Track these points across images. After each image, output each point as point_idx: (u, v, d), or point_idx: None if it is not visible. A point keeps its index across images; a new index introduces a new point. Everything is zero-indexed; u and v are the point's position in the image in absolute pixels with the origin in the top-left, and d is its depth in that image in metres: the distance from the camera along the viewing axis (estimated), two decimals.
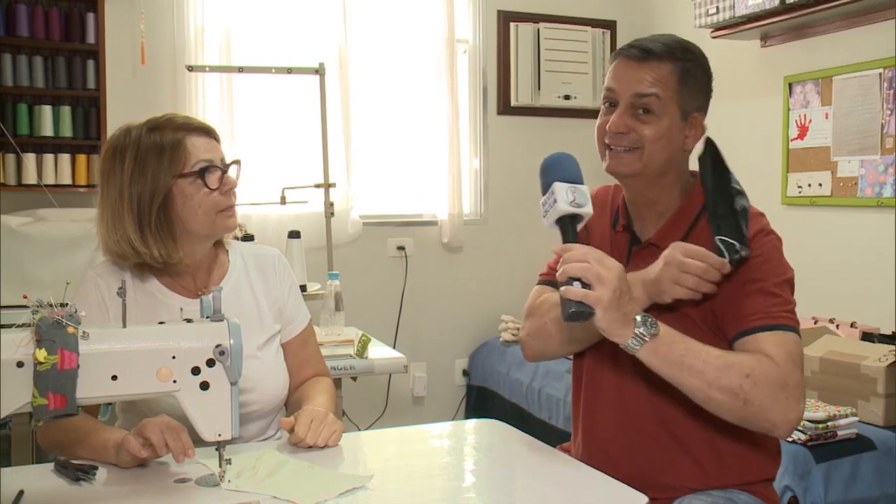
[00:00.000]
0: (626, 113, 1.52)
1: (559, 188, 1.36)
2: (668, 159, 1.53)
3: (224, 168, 1.65)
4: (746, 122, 3.87)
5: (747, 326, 1.44)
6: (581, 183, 1.39)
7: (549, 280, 1.70)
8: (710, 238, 1.47)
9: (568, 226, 1.38)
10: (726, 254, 1.42)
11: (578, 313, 1.30)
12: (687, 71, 1.52)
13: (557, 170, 1.40)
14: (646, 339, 1.33)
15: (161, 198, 1.59)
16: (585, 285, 1.30)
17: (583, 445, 1.64)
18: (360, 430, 3.71)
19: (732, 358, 1.38)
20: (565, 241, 1.37)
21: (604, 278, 1.29)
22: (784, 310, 1.45)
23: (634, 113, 1.52)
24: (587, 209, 1.37)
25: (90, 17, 3.55)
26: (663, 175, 1.55)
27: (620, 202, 1.66)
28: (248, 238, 3.17)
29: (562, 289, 1.31)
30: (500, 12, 4.46)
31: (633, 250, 1.60)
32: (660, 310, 1.46)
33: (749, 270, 1.46)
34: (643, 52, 1.52)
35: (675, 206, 1.58)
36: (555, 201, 1.36)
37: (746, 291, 1.45)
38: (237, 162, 1.69)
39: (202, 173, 1.60)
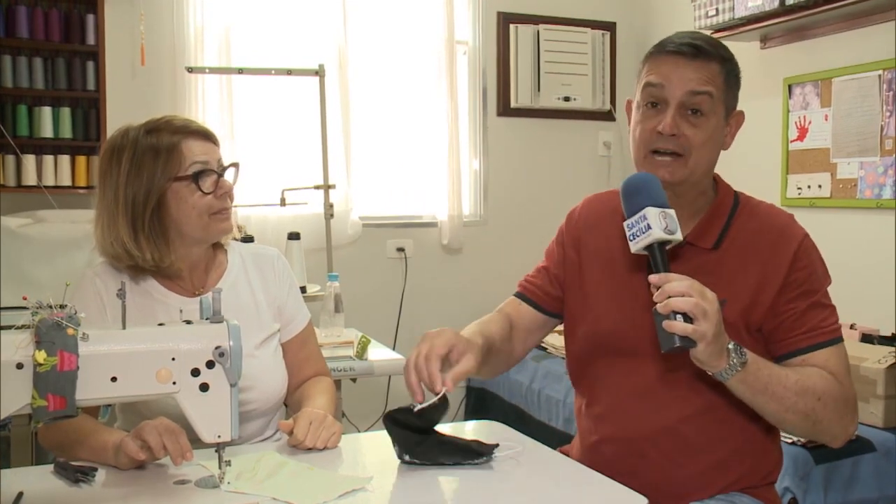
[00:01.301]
0: (677, 114, 1.47)
1: (652, 214, 1.33)
2: (711, 162, 1.54)
3: (220, 171, 1.65)
4: (746, 124, 3.84)
5: (808, 343, 1.47)
6: (669, 207, 1.36)
7: (526, 295, 1.71)
8: (744, 230, 1.51)
9: (658, 253, 1.34)
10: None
11: (679, 348, 1.28)
12: (731, 70, 1.53)
13: (646, 194, 1.35)
14: (737, 368, 1.34)
15: (155, 200, 1.59)
16: (688, 318, 1.27)
17: (586, 451, 1.64)
18: (359, 431, 3.71)
19: (807, 381, 1.40)
20: (656, 269, 1.33)
21: (708, 313, 1.27)
22: (833, 320, 1.49)
23: (684, 114, 1.48)
24: (678, 235, 1.35)
25: (90, 18, 3.56)
26: (705, 177, 1.55)
27: None
28: (247, 239, 3.17)
29: (665, 322, 1.28)
30: (499, 14, 4.46)
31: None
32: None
33: (800, 283, 1.48)
34: (694, 49, 1.47)
35: (706, 205, 1.57)
36: (648, 227, 1.33)
37: (801, 307, 1.47)
38: (235, 165, 1.69)
39: (196, 177, 1.60)
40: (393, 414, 1.43)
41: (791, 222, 1.54)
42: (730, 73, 1.53)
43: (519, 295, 1.74)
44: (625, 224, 1.37)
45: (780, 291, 1.47)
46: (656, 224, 1.32)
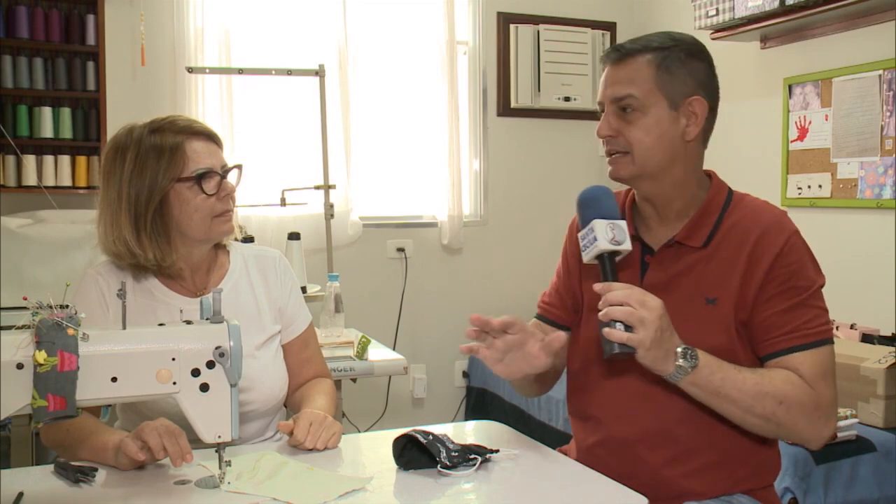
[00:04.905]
0: (612, 115, 1.52)
1: (599, 225, 1.39)
2: (666, 154, 1.51)
3: (223, 173, 1.65)
4: (746, 124, 3.87)
5: (783, 346, 1.45)
6: (620, 218, 1.41)
7: (546, 317, 1.72)
8: (735, 227, 1.49)
9: (607, 262, 1.40)
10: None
11: (620, 354, 1.33)
12: (667, 58, 1.49)
13: (595, 206, 1.41)
14: (687, 371, 1.36)
15: (158, 200, 1.60)
16: (628, 326, 1.32)
17: (582, 454, 1.63)
18: (359, 431, 3.71)
19: (766, 386, 1.40)
20: (605, 278, 1.39)
21: (646, 321, 1.32)
22: (818, 322, 1.45)
23: (620, 114, 1.51)
24: (626, 245, 1.39)
25: (90, 18, 3.55)
26: (668, 170, 1.52)
27: (627, 210, 1.62)
28: (248, 240, 3.16)
29: (604, 330, 1.34)
30: (499, 14, 4.46)
31: (648, 259, 1.57)
32: (704, 304, 1.47)
33: (782, 281, 1.45)
34: (619, 54, 1.52)
35: (697, 202, 1.55)
36: (595, 238, 1.39)
37: (781, 306, 1.45)
38: (238, 167, 1.69)
39: (200, 178, 1.61)
40: (405, 437, 1.43)
41: (781, 218, 1.50)
42: (666, 60, 1.49)
43: (539, 317, 1.75)
44: (578, 235, 1.44)
45: (761, 288, 1.45)
46: (602, 235, 1.38)
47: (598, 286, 1.37)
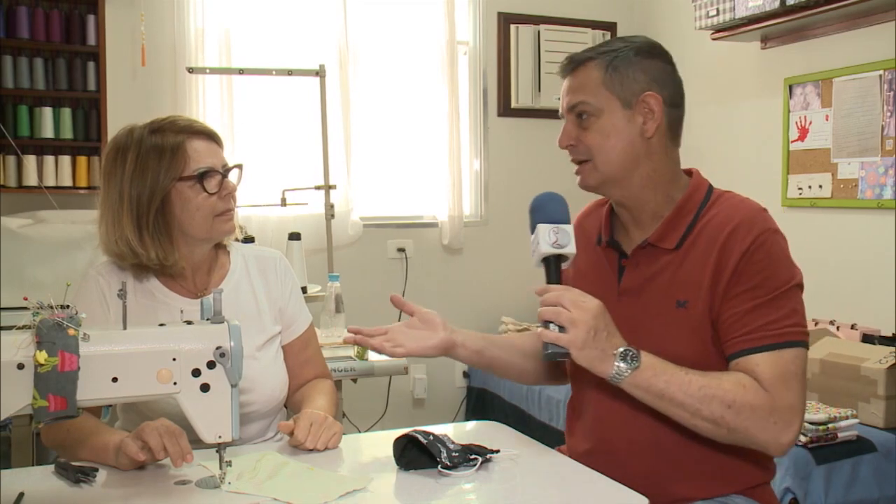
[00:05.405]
0: (570, 125, 1.54)
1: (542, 230, 1.42)
2: (627, 154, 1.49)
3: (224, 172, 1.65)
4: (746, 124, 3.87)
5: (741, 347, 1.40)
6: (566, 222, 1.44)
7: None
8: (708, 226, 1.46)
9: (552, 266, 1.43)
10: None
11: (554, 354, 1.37)
12: (615, 59, 1.49)
13: (541, 212, 1.45)
14: (626, 373, 1.36)
15: (159, 200, 1.60)
16: (563, 328, 1.35)
17: (577, 458, 1.62)
18: (360, 432, 3.71)
19: (714, 389, 1.36)
20: (548, 281, 1.42)
21: (576, 321, 1.34)
22: (786, 324, 1.39)
23: (578, 122, 1.52)
24: (569, 249, 1.42)
25: (90, 18, 3.56)
26: (632, 171, 1.51)
27: (604, 216, 1.62)
28: (248, 240, 3.17)
29: (539, 331, 1.38)
30: (500, 14, 4.46)
31: (624, 263, 1.56)
32: (675, 307, 1.46)
33: (751, 278, 1.41)
34: (571, 64, 1.54)
35: (673, 203, 1.53)
36: (538, 242, 1.42)
37: (745, 306, 1.40)
38: (239, 166, 1.69)
39: (201, 177, 1.61)
40: (406, 437, 1.43)
41: (754, 216, 1.45)
42: (614, 61, 1.49)
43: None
44: (531, 240, 1.46)
45: (727, 287, 1.41)
46: (544, 240, 1.41)
47: (537, 289, 1.40)
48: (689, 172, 1.58)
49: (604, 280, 1.58)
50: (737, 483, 1.51)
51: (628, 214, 1.57)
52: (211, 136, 1.67)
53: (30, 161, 3.45)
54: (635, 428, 1.51)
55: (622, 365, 1.36)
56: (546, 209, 1.45)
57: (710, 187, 1.55)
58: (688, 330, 1.45)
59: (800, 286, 1.45)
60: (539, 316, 1.37)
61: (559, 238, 1.42)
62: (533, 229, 1.44)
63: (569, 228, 1.43)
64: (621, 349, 1.36)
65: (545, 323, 1.37)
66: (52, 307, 1.15)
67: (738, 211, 1.47)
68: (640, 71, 1.49)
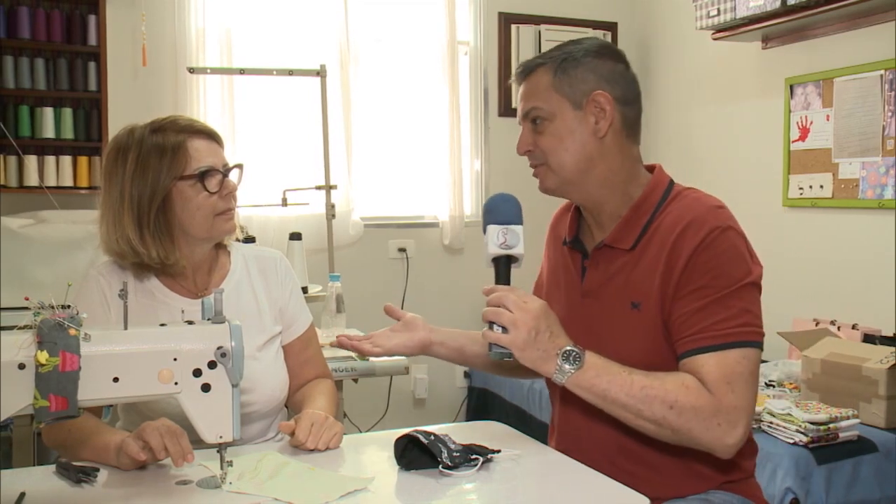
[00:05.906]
0: (526, 131, 1.57)
1: (491, 231, 1.44)
2: (581, 155, 1.50)
3: (225, 172, 1.65)
4: (747, 124, 3.87)
5: (688, 348, 1.39)
6: (518, 223, 1.44)
7: None
8: (662, 225, 1.45)
9: (502, 266, 1.44)
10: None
11: (498, 354, 1.39)
12: (563, 61, 1.50)
13: (493, 213, 1.46)
14: (568, 373, 1.37)
15: (160, 199, 1.60)
16: (506, 328, 1.36)
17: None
18: (361, 431, 3.71)
19: (656, 389, 1.35)
20: (497, 281, 1.43)
21: (517, 322, 1.35)
22: (734, 324, 1.37)
23: (533, 127, 1.55)
24: (517, 250, 1.43)
25: (91, 19, 3.56)
26: (588, 172, 1.50)
27: (570, 217, 1.64)
28: (249, 240, 3.17)
29: (483, 332, 1.41)
30: (501, 14, 4.46)
31: (586, 263, 1.56)
32: (629, 308, 1.45)
33: (700, 277, 1.39)
34: (522, 71, 1.57)
35: (629, 203, 1.52)
36: (486, 243, 1.44)
37: (694, 307, 1.39)
38: (240, 166, 1.69)
39: (202, 176, 1.61)
40: (407, 437, 1.43)
41: (707, 213, 1.42)
42: (562, 64, 1.50)
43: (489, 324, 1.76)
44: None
45: (677, 287, 1.40)
46: (493, 241, 1.43)
47: (484, 289, 1.41)
48: (650, 169, 1.57)
49: (569, 281, 1.60)
50: (713, 480, 1.49)
51: (590, 215, 1.58)
52: (212, 136, 1.67)
53: (31, 161, 3.45)
54: (599, 430, 1.51)
55: (565, 365, 1.37)
56: (498, 210, 1.45)
57: (671, 185, 1.54)
58: (642, 331, 1.45)
59: (755, 284, 1.42)
60: (482, 316, 1.39)
61: (508, 239, 1.43)
62: (485, 230, 1.46)
63: (518, 230, 1.43)
64: (565, 349, 1.37)
65: (490, 324, 1.38)
66: (53, 307, 1.15)
67: (691, 209, 1.45)
68: (589, 71, 1.50)
